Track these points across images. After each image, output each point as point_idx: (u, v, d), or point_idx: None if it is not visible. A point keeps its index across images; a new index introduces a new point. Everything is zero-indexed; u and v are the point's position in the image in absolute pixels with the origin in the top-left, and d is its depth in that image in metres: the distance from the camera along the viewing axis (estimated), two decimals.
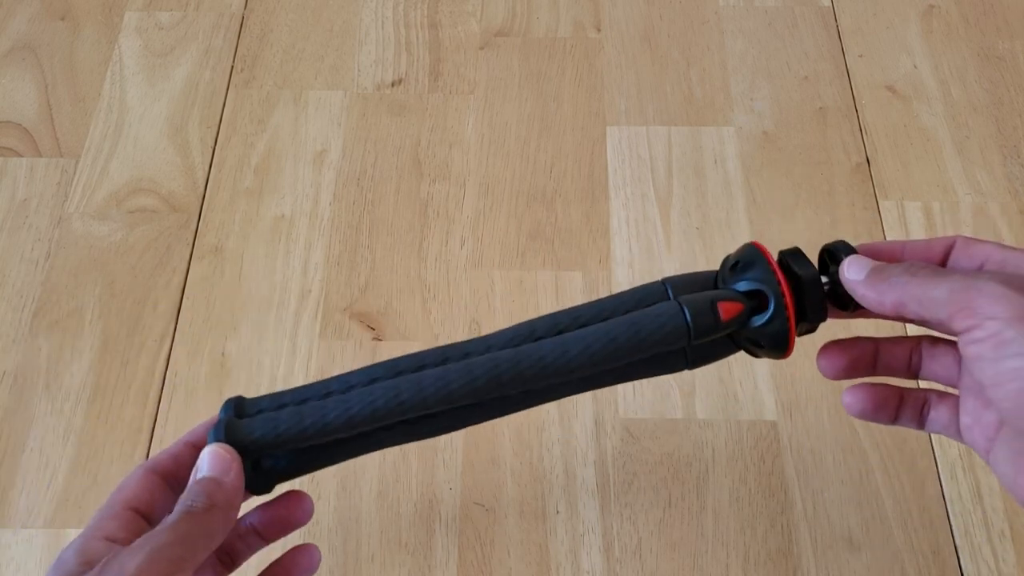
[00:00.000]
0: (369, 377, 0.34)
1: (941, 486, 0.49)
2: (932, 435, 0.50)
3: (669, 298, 0.34)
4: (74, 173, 0.60)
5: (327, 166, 0.61)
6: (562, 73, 0.65)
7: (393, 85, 0.64)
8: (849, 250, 0.34)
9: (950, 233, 0.51)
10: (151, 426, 0.51)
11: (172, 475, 0.34)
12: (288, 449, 0.33)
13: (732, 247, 0.41)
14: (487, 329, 0.51)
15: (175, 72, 0.65)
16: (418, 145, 0.62)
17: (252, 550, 0.36)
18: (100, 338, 0.54)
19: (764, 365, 0.52)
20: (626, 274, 0.56)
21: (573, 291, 0.55)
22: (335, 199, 0.59)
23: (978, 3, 0.67)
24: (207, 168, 0.61)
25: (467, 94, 0.64)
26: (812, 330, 0.34)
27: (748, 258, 0.34)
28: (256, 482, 0.34)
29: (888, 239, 0.56)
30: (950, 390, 0.34)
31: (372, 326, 0.54)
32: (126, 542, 0.30)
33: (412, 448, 0.50)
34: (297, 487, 0.36)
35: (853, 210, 0.58)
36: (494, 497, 0.49)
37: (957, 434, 0.33)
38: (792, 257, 0.34)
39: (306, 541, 0.39)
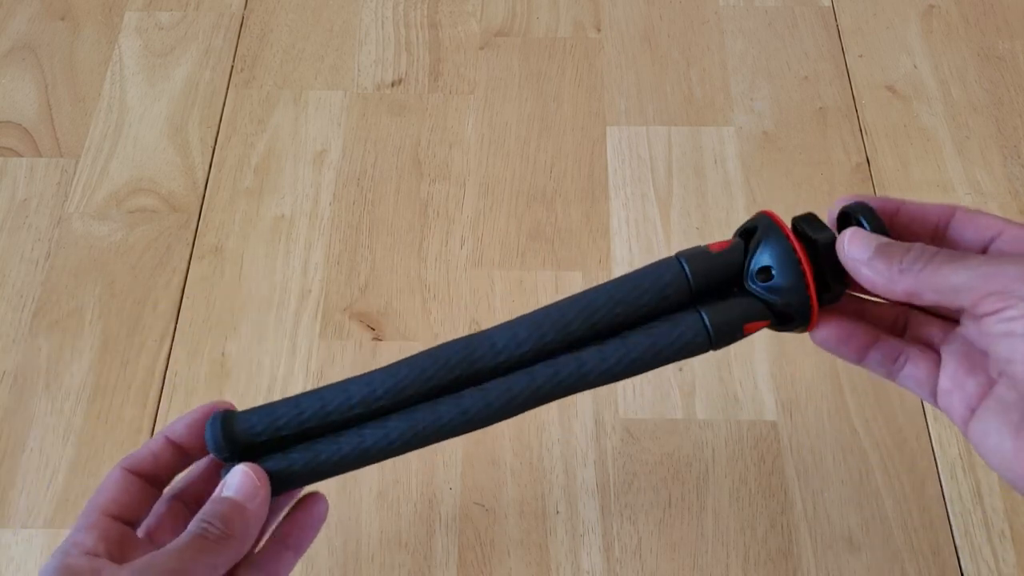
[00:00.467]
0: (368, 387, 0.33)
1: (941, 486, 0.49)
2: (932, 435, 0.50)
3: (686, 276, 0.33)
4: (74, 173, 0.60)
5: (327, 166, 0.61)
6: (562, 73, 0.65)
7: (393, 85, 0.64)
8: (868, 213, 0.32)
9: None
10: (151, 426, 0.51)
11: (150, 474, 0.33)
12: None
13: None
14: None
15: (175, 72, 0.65)
16: (418, 145, 0.62)
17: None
18: (100, 338, 0.54)
19: (764, 365, 0.52)
20: None
21: (573, 291, 0.54)
22: (335, 199, 0.59)
23: (978, 3, 0.67)
24: (207, 168, 0.61)
25: (467, 94, 0.64)
26: (836, 299, 0.33)
27: (762, 231, 0.33)
28: None
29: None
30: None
31: (372, 326, 0.54)
32: (108, 554, 0.29)
33: None
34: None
35: None
36: (494, 497, 0.49)
37: (931, 395, 0.32)
38: (807, 223, 0.33)
39: None
